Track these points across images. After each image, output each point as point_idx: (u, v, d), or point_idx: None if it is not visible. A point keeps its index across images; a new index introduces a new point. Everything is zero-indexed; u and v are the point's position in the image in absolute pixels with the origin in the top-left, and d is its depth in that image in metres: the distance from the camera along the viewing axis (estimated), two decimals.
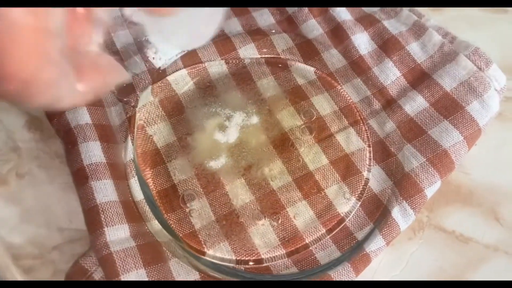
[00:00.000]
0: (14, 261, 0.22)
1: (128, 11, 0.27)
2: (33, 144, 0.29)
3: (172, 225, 0.27)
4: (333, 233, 0.28)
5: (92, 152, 0.27)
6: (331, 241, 0.28)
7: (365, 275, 0.26)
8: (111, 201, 0.26)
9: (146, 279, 0.25)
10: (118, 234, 0.25)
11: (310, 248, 0.27)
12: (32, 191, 0.27)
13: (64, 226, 0.26)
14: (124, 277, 0.24)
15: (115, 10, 0.33)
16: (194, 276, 0.26)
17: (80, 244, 0.25)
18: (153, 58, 0.33)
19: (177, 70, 0.33)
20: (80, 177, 0.27)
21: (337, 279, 0.25)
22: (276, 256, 0.27)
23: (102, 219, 0.25)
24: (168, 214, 0.28)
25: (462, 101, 0.30)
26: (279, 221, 0.28)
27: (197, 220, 0.28)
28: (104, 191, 0.26)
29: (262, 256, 0.27)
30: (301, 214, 0.28)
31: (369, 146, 0.31)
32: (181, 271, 0.26)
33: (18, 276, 0.22)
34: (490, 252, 0.28)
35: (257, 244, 0.27)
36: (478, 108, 0.29)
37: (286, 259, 0.27)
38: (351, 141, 0.31)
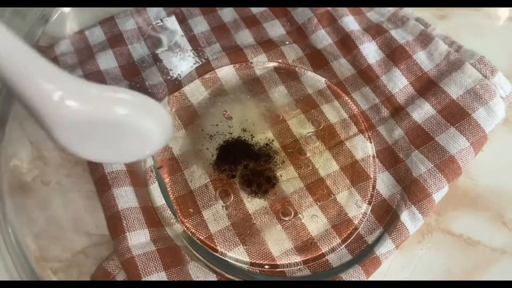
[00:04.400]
0: (46, 263, 0.24)
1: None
2: (57, 153, 0.30)
3: (190, 230, 0.29)
4: (348, 241, 0.29)
5: None
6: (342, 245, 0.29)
7: (376, 278, 0.27)
8: (132, 207, 0.28)
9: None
10: (139, 238, 0.27)
11: (324, 253, 0.29)
12: (58, 198, 0.28)
13: (91, 231, 0.27)
14: (146, 280, 0.25)
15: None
16: (211, 278, 0.27)
17: (105, 248, 0.27)
18: (170, 69, 0.34)
19: (192, 81, 0.34)
20: (103, 185, 0.28)
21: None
22: (290, 260, 0.28)
23: (124, 224, 0.27)
24: (186, 219, 0.29)
25: (468, 108, 0.31)
26: (293, 226, 0.29)
27: (214, 224, 0.29)
28: (125, 197, 0.28)
29: (276, 260, 0.28)
30: (314, 219, 0.29)
31: (375, 152, 0.32)
32: (199, 274, 0.27)
33: (53, 277, 0.23)
34: (498, 255, 0.29)
35: (271, 248, 0.28)
36: (484, 115, 0.30)
37: (301, 264, 0.28)
38: (360, 148, 0.32)
